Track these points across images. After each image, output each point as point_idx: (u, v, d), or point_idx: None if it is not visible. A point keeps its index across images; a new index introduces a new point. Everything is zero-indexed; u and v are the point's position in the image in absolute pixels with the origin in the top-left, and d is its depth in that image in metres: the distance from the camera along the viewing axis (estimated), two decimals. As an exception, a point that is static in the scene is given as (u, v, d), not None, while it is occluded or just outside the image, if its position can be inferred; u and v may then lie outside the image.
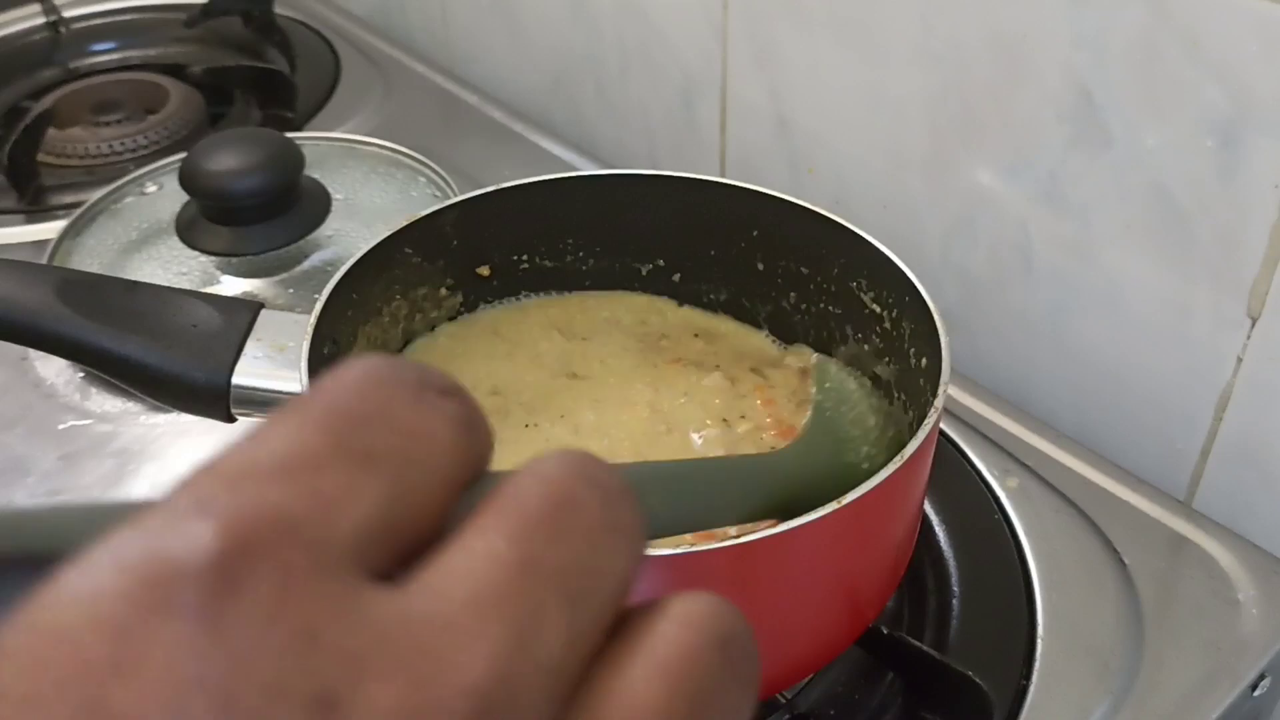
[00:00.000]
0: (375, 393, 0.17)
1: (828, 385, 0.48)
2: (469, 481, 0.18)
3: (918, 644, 0.51)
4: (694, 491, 0.33)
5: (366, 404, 0.17)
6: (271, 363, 0.48)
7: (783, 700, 0.51)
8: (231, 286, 0.71)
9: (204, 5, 1.03)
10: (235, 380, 0.47)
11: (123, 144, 0.90)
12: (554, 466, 0.18)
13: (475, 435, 0.18)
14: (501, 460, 0.19)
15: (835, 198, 0.73)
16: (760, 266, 0.57)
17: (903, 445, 0.45)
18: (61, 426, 0.64)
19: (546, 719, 0.16)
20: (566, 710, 0.17)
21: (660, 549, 0.38)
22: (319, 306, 0.48)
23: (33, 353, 0.67)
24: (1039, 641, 0.53)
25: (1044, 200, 0.62)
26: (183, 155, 0.70)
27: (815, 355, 0.52)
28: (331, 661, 0.15)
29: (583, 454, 0.18)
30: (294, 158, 0.70)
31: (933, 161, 0.67)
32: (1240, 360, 0.57)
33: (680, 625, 0.18)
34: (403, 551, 0.17)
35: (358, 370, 0.18)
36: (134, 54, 1.05)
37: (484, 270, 0.57)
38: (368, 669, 0.15)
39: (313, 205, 0.71)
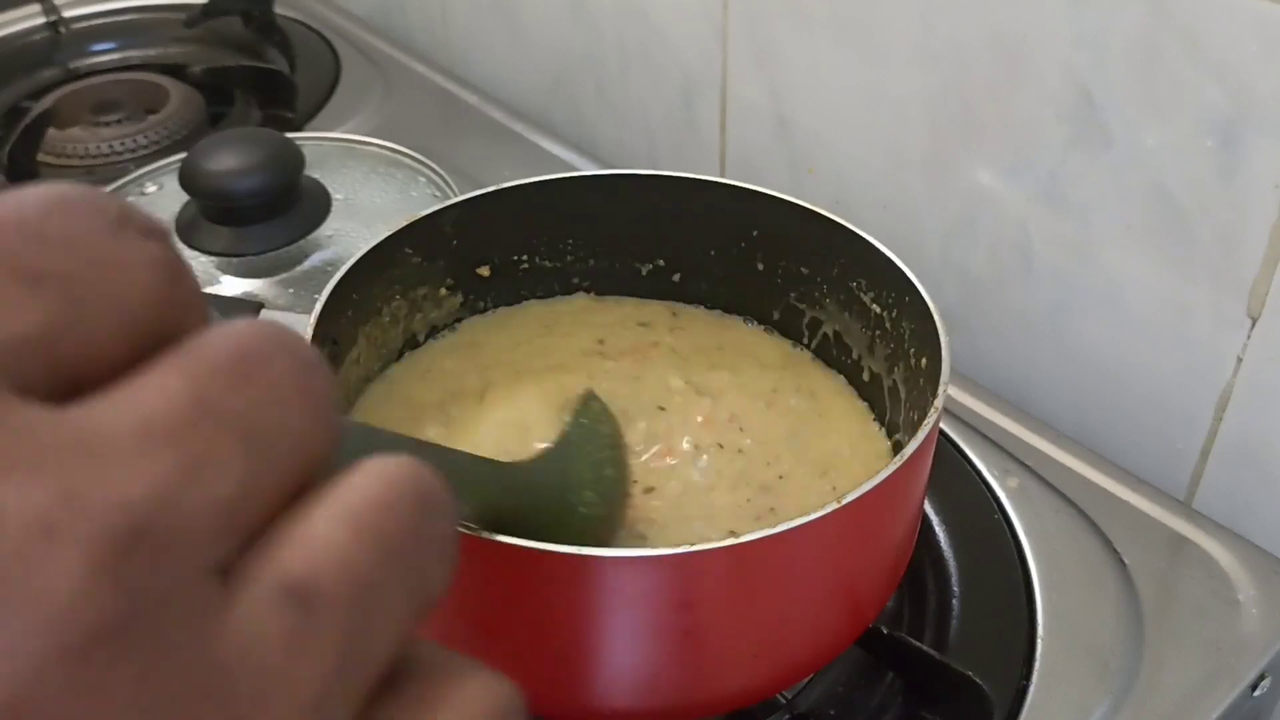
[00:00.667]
0: (62, 214, 0.16)
1: (583, 421, 0.47)
2: (162, 330, 0.17)
3: (918, 644, 0.51)
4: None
5: (48, 223, 0.16)
6: (271, 363, 0.48)
7: (783, 700, 0.51)
8: (231, 286, 0.71)
9: (204, 5, 1.03)
10: (235, 380, 0.47)
11: (123, 144, 0.90)
12: (247, 325, 0.17)
13: (177, 284, 0.17)
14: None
15: (835, 198, 0.73)
16: (760, 266, 0.57)
17: (623, 507, 0.46)
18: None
19: (214, 555, 0.16)
20: (243, 551, 0.16)
21: (659, 549, 0.38)
22: (319, 306, 0.48)
23: (33, 353, 0.66)
24: (1039, 641, 0.53)
25: (1044, 200, 0.62)
26: (183, 155, 0.70)
27: (585, 388, 0.51)
28: None
29: (278, 323, 0.18)
30: (294, 158, 0.70)
31: (933, 161, 0.67)
32: (1240, 360, 0.57)
33: (374, 478, 0.18)
34: (72, 380, 0.16)
35: (49, 190, 0.17)
36: (134, 54, 1.05)
37: (484, 270, 0.57)
38: (11, 468, 0.14)
39: (313, 205, 0.71)
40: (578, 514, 0.43)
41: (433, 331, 0.57)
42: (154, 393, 0.16)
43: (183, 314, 0.17)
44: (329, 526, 0.17)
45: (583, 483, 0.44)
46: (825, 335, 0.56)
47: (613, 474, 0.46)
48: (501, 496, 0.41)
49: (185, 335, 0.17)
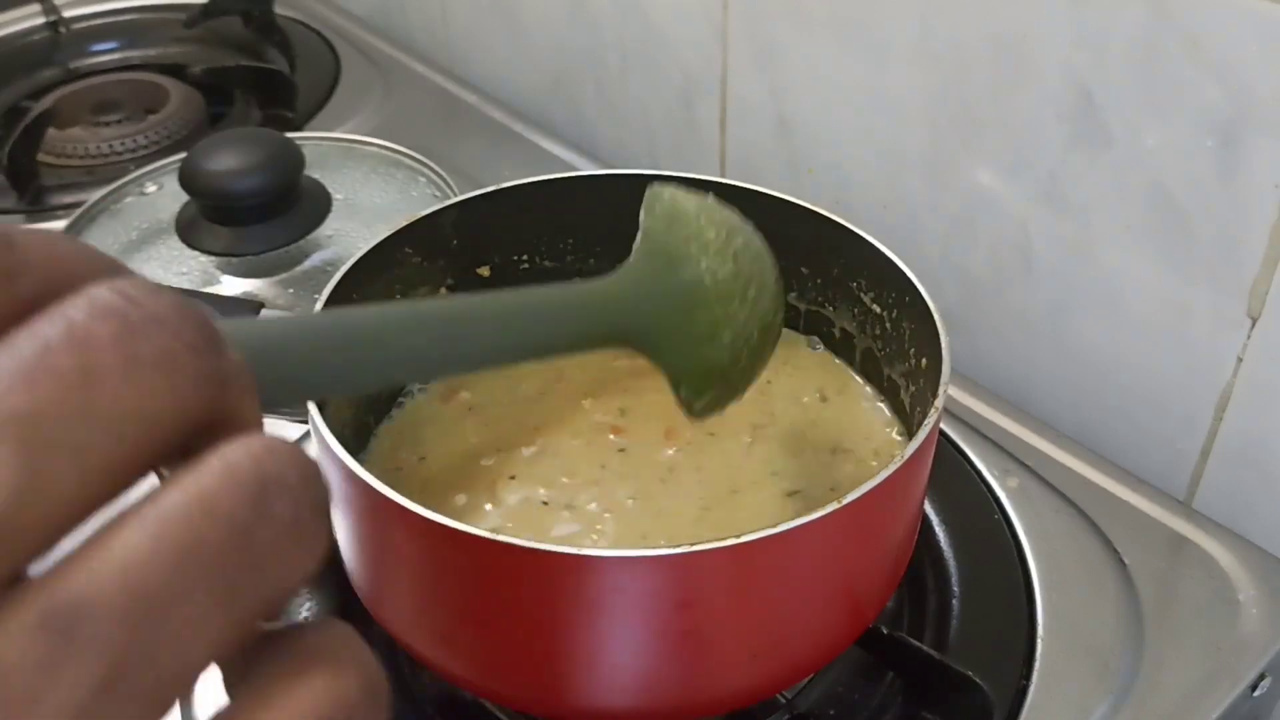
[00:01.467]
0: None
1: (658, 210, 0.42)
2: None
3: (918, 644, 0.51)
4: (519, 323, 0.33)
5: None
6: (271, 363, 0.48)
7: (783, 700, 0.51)
8: (231, 286, 0.71)
9: (204, 5, 1.03)
10: (235, 380, 0.47)
11: (123, 144, 0.90)
12: (70, 302, 0.16)
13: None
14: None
15: (835, 198, 0.73)
16: (760, 266, 0.57)
17: (760, 258, 0.42)
18: (61, 426, 0.64)
19: None
20: (36, 560, 0.16)
21: (659, 549, 0.38)
22: (319, 306, 0.48)
23: (33, 353, 0.66)
24: (1039, 641, 0.53)
25: (1044, 200, 0.62)
26: (183, 155, 0.70)
27: (651, 185, 0.45)
28: None
29: (131, 284, 0.16)
30: (294, 158, 0.70)
31: (933, 161, 0.67)
32: (1240, 360, 0.57)
33: (205, 472, 0.16)
34: None
35: None
36: (134, 54, 1.05)
37: (484, 270, 0.57)
38: None
39: (313, 205, 0.72)
40: (703, 285, 0.39)
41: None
42: None
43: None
44: (128, 538, 0.16)
45: (690, 255, 0.40)
46: (828, 335, 0.56)
47: (718, 234, 0.41)
48: (615, 315, 0.39)
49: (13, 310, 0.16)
